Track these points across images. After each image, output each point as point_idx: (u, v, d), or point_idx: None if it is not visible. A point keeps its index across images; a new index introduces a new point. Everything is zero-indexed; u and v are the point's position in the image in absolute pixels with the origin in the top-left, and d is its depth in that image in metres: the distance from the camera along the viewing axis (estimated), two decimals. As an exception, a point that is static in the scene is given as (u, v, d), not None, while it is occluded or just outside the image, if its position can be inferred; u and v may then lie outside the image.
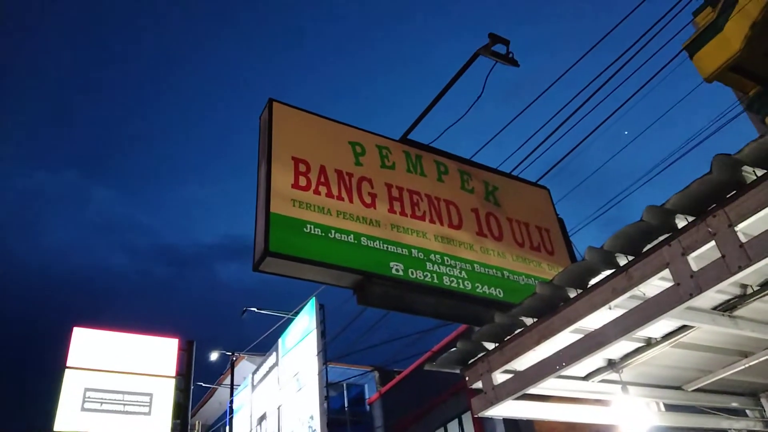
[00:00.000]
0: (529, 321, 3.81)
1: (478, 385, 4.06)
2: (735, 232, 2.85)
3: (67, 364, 17.81)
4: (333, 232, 4.75)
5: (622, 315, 3.27)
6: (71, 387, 17.44)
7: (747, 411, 5.45)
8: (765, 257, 2.74)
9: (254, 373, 23.38)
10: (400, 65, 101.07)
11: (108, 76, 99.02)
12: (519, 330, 3.84)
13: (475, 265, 5.33)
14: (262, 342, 22.56)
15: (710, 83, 7.75)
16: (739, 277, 2.86)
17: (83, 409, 17.23)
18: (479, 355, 4.12)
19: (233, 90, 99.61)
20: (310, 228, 4.65)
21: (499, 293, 5.22)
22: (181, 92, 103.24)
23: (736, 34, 7.16)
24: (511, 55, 5.48)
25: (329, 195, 4.95)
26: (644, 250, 3.23)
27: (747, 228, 2.89)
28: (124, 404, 17.70)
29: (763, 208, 2.78)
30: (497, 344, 3.98)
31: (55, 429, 16.72)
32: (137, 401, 17.84)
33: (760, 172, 2.87)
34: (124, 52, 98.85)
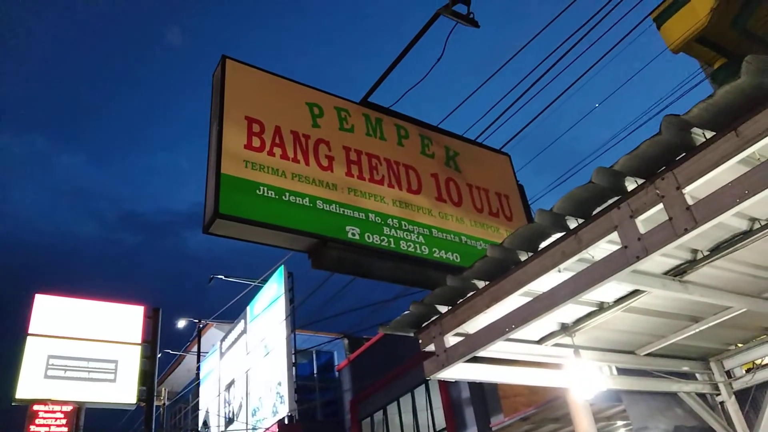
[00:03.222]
0: (481, 284, 3.78)
1: (431, 347, 4.05)
2: (683, 195, 2.83)
3: (29, 331, 17.52)
4: (287, 194, 4.64)
5: (570, 278, 3.26)
6: (34, 354, 17.19)
7: (696, 374, 5.57)
8: (711, 219, 2.74)
9: (222, 340, 23.34)
10: (364, 24, 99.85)
11: (75, 40, 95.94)
12: (471, 293, 3.82)
13: (433, 230, 5.29)
14: (231, 310, 22.50)
15: (676, 54, 7.75)
16: (686, 239, 2.85)
17: (46, 376, 17.03)
18: (432, 318, 4.10)
19: (202, 54, 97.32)
20: (263, 190, 4.53)
21: (456, 258, 5.19)
22: (148, 58, 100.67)
23: (702, 5, 7.14)
24: (471, 16, 5.35)
25: (284, 157, 4.83)
26: (594, 213, 3.21)
27: (695, 191, 2.87)
28: (89, 371, 17.53)
29: (711, 171, 2.76)
30: (450, 307, 3.96)
31: (17, 396, 16.53)
32: (102, 368, 17.68)
33: (709, 134, 2.84)
34: (91, 18, 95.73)
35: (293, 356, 17.43)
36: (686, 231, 2.79)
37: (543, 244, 3.43)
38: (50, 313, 18.08)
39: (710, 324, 4.68)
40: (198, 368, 24.48)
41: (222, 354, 23.07)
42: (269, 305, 19.07)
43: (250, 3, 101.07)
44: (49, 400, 16.92)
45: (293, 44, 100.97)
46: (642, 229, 2.95)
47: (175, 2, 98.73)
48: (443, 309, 4.04)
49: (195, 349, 24.73)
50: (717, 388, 5.53)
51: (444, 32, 5.66)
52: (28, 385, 16.78)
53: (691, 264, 3.86)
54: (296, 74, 5.66)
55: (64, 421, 16.94)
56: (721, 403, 5.54)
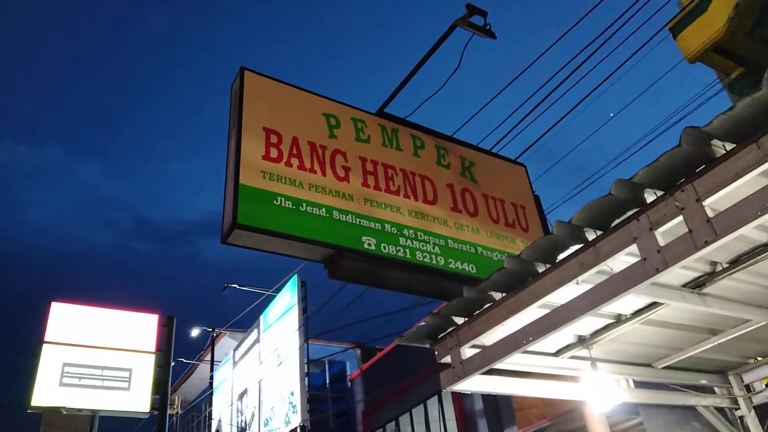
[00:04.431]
0: (498, 296, 3.77)
1: (447, 359, 4.04)
2: (703, 207, 2.81)
3: (45, 339, 17.60)
4: (304, 205, 4.68)
5: (588, 290, 3.24)
6: (49, 362, 17.25)
7: (715, 388, 5.50)
8: (731, 232, 2.71)
9: (236, 349, 23.38)
10: (380, 36, 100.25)
11: (90, 51, 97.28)
12: (488, 305, 3.81)
13: (449, 240, 5.29)
14: (245, 319, 22.53)
15: (692, 64, 7.71)
16: (706, 252, 2.83)
17: (61, 384, 17.09)
18: (448, 330, 4.09)
19: (219, 65, 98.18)
20: (281, 200, 4.57)
21: (472, 269, 5.19)
22: (164, 68, 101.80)
23: (719, 14, 7.11)
24: (488, 27, 5.37)
25: (301, 167, 4.86)
26: (613, 224, 3.19)
27: (715, 203, 2.86)
28: (103, 379, 17.57)
29: (731, 183, 2.75)
30: (466, 319, 3.95)
31: (32, 404, 16.60)
32: (116, 376, 17.73)
33: (729, 146, 2.82)
34: (106, 30, 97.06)
35: (306, 366, 17.41)
36: (706, 243, 2.77)
37: (561, 256, 3.41)
38: (66, 321, 18.17)
39: (729, 337, 4.63)
40: (211, 377, 24.52)
41: (235, 363, 23.10)
42: (282, 315, 19.08)
43: (267, 15, 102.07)
44: (64, 407, 16.99)
45: (310, 56, 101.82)
46: (661, 242, 2.93)
47: (193, 14, 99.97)
48: (460, 320, 4.03)
49: (208, 358, 24.80)
50: (736, 402, 5.46)
51: (460, 43, 5.69)
52: (43, 393, 16.84)
53: (711, 276, 3.83)
54: (313, 85, 5.71)
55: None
56: (741, 417, 5.47)
